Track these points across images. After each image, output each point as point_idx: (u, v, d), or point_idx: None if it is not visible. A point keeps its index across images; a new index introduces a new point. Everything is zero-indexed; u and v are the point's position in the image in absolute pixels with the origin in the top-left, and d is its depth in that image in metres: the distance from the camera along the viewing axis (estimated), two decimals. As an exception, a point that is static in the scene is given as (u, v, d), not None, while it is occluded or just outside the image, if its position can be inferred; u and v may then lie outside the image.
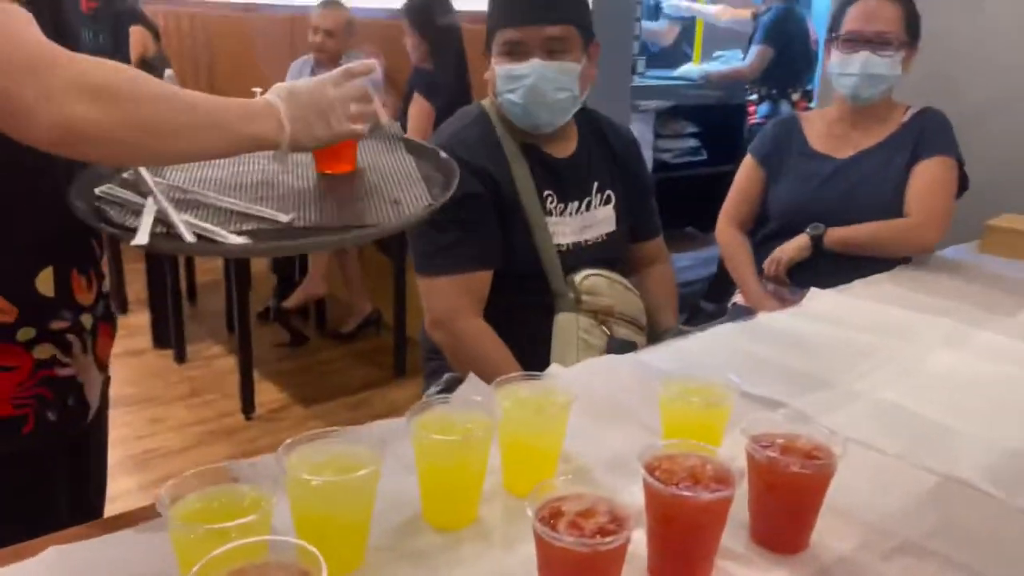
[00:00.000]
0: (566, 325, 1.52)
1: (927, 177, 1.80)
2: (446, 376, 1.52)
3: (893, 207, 1.80)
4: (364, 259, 3.52)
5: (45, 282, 0.92)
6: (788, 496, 0.80)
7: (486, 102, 1.58)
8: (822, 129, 1.94)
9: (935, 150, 1.81)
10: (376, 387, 3.13)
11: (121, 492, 2.27)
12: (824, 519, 0.83)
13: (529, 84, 1.45)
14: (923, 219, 1.78)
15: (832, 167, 1.88)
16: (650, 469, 0.75)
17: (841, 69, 1.83)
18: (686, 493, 0.72)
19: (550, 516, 0.68)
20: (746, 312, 1.76)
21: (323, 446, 0.77)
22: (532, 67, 1.44)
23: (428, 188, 1.06)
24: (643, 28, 4.03)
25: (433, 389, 1.50)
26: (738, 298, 2.07)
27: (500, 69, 1.47)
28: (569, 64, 1.46)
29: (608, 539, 0.66)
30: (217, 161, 1.09)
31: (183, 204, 0.94)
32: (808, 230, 1.79)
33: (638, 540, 0.76)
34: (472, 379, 1.07)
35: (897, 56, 1.79)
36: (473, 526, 0.84)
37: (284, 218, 0.92)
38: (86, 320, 0.97)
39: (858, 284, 1.63)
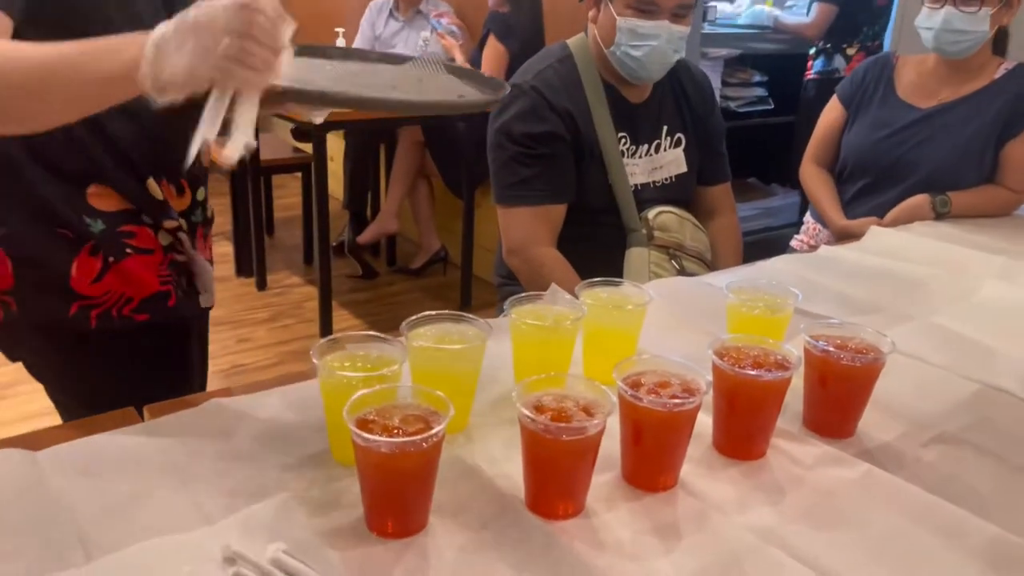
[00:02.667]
0: (638, 258, 1.63)
1: None
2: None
3: (959, 167, 1.82)
4: (435, 198, 3.66)
5: (154, 188, 1.08)
6: (839, 387, 0.91)
7: (573, 43, 1.66)
8: (912, 77, 1.94)
9: None
10: (444, 320, 3.30)
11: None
12: (870, 413, 0.94)
13: (656, 45, 1.53)
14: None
15: (909, 118, 1.89)
16: (719, 355, 0.87)
17: (924, 23, 1.83)
18: (750, 373, 0.84)
19: (632, 385, 0.81)
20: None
21: (438, 324, 0.91)
22: (661, 29, 1.51)
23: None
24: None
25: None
26: (795, 242, 2.15)
27: (625, 22, 1.53)
28: (687, 29, 1.55)
29: (680, 401, 0.78)
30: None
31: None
32: (936, 206, 1.78)
33: (705, 421, 0.88)
34: (555, 288, 1.20)
35: (983, 12, 1.75)
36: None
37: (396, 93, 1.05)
38: (184, 223, 1.14)
39: (919, 224, 1.70)
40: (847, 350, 0.91)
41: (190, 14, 0.76)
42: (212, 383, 2.68)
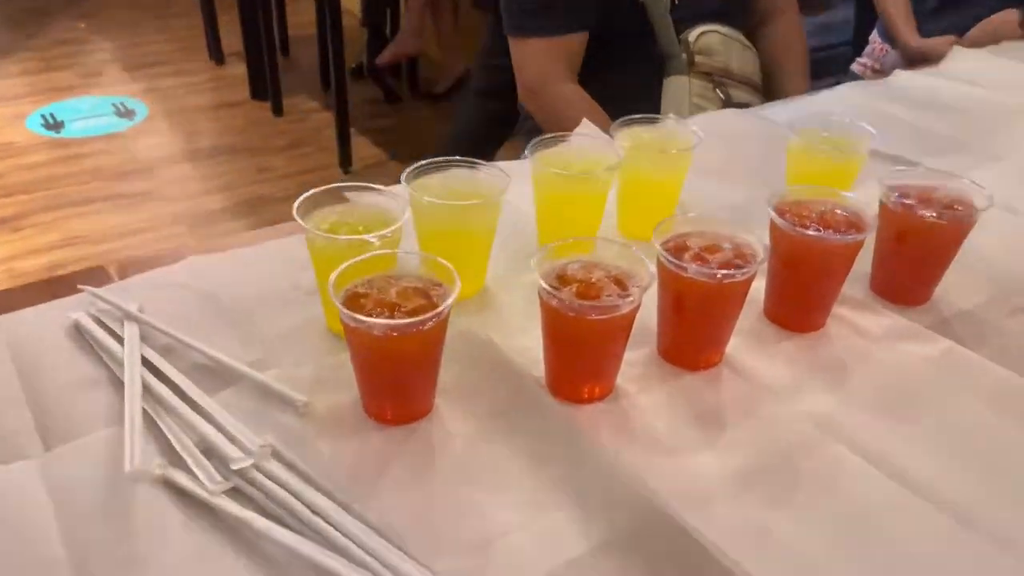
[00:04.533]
0: (677, 89, 1.43)
1: None
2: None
3: None
4: (458, 13, 3.38)
5: None
6: (918, 247, 0.78)
7: None
8: None
9: None
10: (470, 148, 3.14)
11: (234, 231, 2.40)
12: (950, 275, 0.80)
13: None
14: None
15: None
16: (780, 212, 0.73)
17: None
18: (815, 233, 0.71)
19: (674, 251, 0.68)
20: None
21: (447, 171, 0.77)
22: None
23: None
24: None
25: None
26: (857, 67, 1.92)
27: None
28: None
29: (733, 271, 0.65)
30: None
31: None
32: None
33: (757, 286, 0.76)
34: (586, 123, 1.04)
35: None
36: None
37: None
38: None
39: (1007, 44, 1.48)
40: (932, 205, 0.76)
41: None
42: (235, 215, 2.59)
